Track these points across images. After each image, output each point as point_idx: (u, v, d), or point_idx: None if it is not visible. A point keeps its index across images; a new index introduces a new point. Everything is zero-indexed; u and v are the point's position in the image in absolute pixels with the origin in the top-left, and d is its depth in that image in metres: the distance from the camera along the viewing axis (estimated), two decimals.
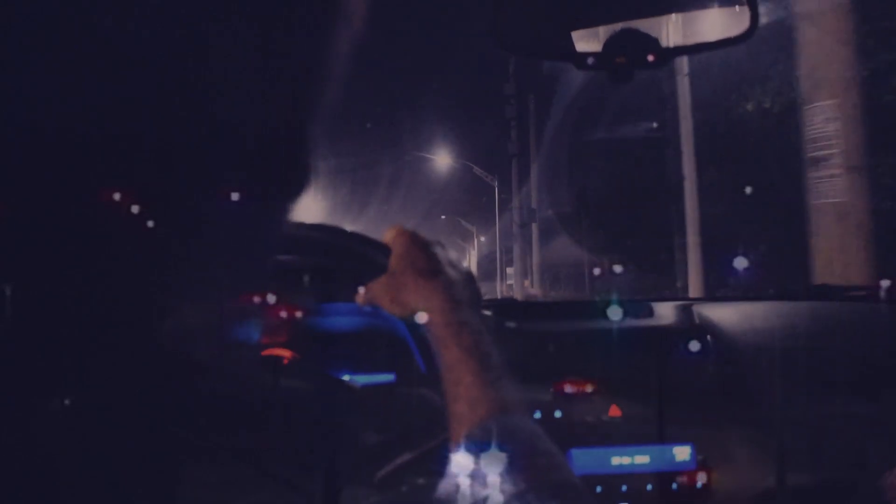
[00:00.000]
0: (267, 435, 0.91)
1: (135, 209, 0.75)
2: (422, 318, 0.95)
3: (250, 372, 1.00)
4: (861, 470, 1.55)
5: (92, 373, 0.76)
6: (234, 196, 0.81)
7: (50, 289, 0.74)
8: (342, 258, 1.31)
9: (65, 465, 0.72)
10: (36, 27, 0.68)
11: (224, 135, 0.78)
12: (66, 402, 0.75)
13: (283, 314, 1.16)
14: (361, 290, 1.01)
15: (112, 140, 0.72)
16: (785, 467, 1.56)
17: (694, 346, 1.68)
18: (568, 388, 1.59)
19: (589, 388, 1.59)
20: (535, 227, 20.42)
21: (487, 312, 1.81)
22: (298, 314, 1.18)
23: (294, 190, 0.86)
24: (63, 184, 0.73)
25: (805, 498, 1.56)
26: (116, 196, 0.73)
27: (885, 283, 1.81)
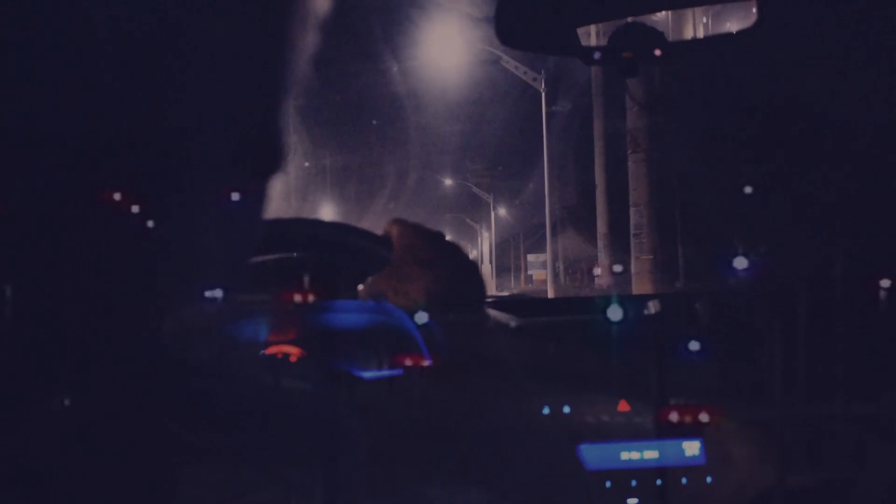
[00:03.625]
0: (267, 435, 0.91)
1: (134, 209, 0.75)
2: (422, 318, 0.96)
3: (250, 372, 1.00)
4: (861, 470, 1.55)
5: (92, 373, 0.76)
6: (234, 196, 0.81)
7: (50, 289, 0.74)
8: (344, 253, 1.32)
9: (65, 465, 0.72)
10: (35, 30, 0.68)
11: (212, 133, 0.78)
12: (66, 402, 0.75)
13: (288, 311, 1.16)
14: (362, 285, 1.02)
15: (104, 141, 0.72)
16: (785, 467, 1.56)
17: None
18: None
19: None
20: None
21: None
22: (303, 311, 1.18)
23: (271, 174, 0.87)
24: (63, 183, 0.73)
25: (805, 498, 1.56)
26: (116, 196, 0.74)
27: (884, 283, 1.81)
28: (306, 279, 1.26)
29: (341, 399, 1.19)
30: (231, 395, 0.86)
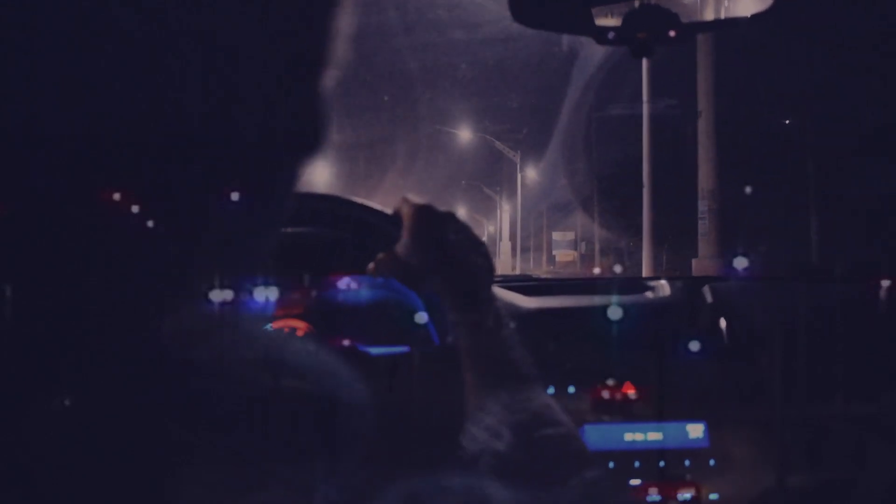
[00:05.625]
0: (267, 435, 0.91)
1: (134, 209, 0.75)
2: (422, 318, 0.96)
3: (250, 372, 1.00)
4: (861, 470, 1.55)
5: (92, 373, 0.76)
6: (234, 195, 0.81)
7: (50, 289, 0.73)
8: (353, 229, 1.32)
9: (65, 465, 0.72)
10: (35, 30, 0.68)
11: (213, 132, 0.78)
12: (66, 402, 0.75)
13: (295, 286, 1.16)
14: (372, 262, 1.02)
15: (104, 141, 0.72)
16: (785, 467, 1.56)
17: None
18: None
19: None
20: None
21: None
22: (310, 286, 1.18)
23: (285, 171, 0.86)
24: (63, 183, 0.73)
25: (805, 498, 1.56)
26: (117, 196, 0.73)
27: (885, 283, 1.81)
28: (313, 255, 1.26)
29: (342, 398, 1.19)
30: (231, 394, 0.86)
